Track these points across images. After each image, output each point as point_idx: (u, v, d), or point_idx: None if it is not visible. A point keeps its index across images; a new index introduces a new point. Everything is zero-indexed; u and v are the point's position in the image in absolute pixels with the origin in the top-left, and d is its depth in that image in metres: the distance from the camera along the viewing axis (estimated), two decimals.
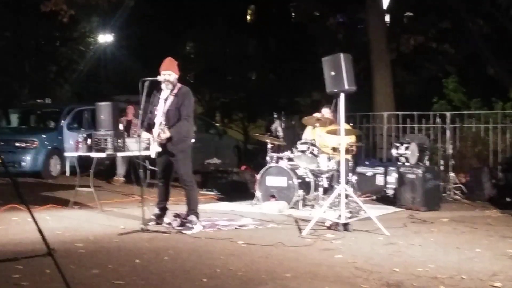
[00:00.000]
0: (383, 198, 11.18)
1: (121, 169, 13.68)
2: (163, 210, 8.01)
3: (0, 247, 6.50)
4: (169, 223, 7.81)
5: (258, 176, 10.22)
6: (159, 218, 7.93)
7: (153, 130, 7.72)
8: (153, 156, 7.86)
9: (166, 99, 7.75)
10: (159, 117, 7.73)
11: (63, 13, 17.99)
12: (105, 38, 25.33)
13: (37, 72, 23.13)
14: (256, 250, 6.49)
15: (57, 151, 14.79)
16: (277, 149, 11.08)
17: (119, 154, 9.72)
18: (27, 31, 21.91)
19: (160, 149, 7.65)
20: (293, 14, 27.89)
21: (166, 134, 7.53)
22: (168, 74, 7.72)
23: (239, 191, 11.55)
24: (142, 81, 7.57)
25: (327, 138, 10.04)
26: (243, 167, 13.24)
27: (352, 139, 9.90)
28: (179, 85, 7.82)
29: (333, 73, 7.73)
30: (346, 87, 7.58)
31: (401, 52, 19.65)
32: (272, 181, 10.01)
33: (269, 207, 9.55)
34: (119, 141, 9.52)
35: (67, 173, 11.06)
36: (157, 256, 6.10)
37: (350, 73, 7.65)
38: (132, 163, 9.16)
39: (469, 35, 19.22)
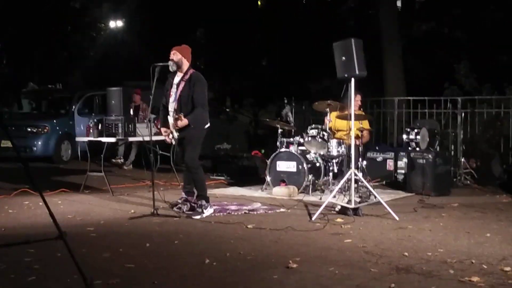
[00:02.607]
0: (393, 183, 11.16)
1: (123, 155, 13.76)
2: (189, 194, 7.98)
3: (12, 230, 6.56)
4: (179, 208, 7.83)
5: (268, 161, 10.22)
6: (184, 202, 7.91)
7: (168, 117, 7.74)
8: (173, 142, 7.87)
9: (178, 85, 7.74)
10: (172, 104, 7.74)
11: None
12: (116, 24, 25.36)
13: (48, 58, 23.19)
14: (266, 234, 6.51)
15: (68, 136, 14.89)
16: (288, 134, 11.08)
17: (130, 139, 9.72)
18: (38, 18, 21.95)
19: (177, 135, 7.64)
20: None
21: (184, 121, 7.51)
22: (173, 53, 7.73)
23: (249, 176, 11.57)
24: (153, 66, 7.59)
25: (339, 123, 10.02)
26: (253, 152, 13.25)
27: (363, 124, 9.87)
28: (191, 70, 7.79)
29: (344, 58, 7.70)
30: (357, 72, 7.56)
31: (413, 38, 19.53)
32: (282, 166, 10.01)
33: (279, 192, 9.55)
34: (131, 125, 9.57)
35: (79, 158, 11.11)
36: (168, 240, 6.13)
37: (361, 58, 7.62)
38: (143, 148, 9.20)
39: (481, 21, 19.09)
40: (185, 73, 7.73)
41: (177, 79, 7.77)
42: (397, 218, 7.33)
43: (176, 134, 7.65)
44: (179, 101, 7.66)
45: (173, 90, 7.76)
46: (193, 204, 7.80)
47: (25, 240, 5.30)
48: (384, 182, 11.31)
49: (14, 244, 5.25)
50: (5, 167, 12.68)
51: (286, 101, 11.98)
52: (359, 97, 10.13)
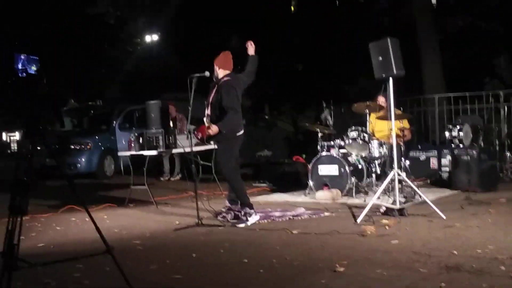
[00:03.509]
0: (437, 182, 11.03)
1: (165, 167, 13.93)
2: (233, 203, 7.99)
3: (60, 247, 6.65)
4: (224, 217, 7.84)
5: (310, 166, 10.19)
6: (228, 211, 7.90)
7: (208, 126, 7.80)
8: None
9: (211, 93, 7.79)
10: (206, 111, 7.80)
11: (109, 14, 18.28)
12: (151, 37, 25.60)
13: (86, 75, 23.54)
14: (311, 239, 6.47)
15: (110, 152, 15.08)
16: (328, 137, 11.03)
17: (174, 151, 9.76)
18: (74, 36, 22.31)
19: (211, 144, 7.68)
20: (337, 1, 27.65)
21: (213, 129, 7.54)
22: (214, 63, 7.83)
23: (292, 181, 11.54)
24: (190, 77, 7.62)
25: (379, 124, 9.93)
26: (294, 158, 13.22)
27: (404, 123, 9.76)
28: (224, 78, 7.81)
29: (380, 58, 7.64)
30: (395, 72, 7.49)
31: (449, 34, 19.28)
32: (324, 169, 9.96)
33: (323, 196, 9.51)
34: (171, 137, 9.64)
35: (122, 173, 11.24)
36: (213, 249, 6.14)
37: (398, 57, 7.55)
38: (184, 159, 9.23)
39: None
40: (218, 81, 7.78)
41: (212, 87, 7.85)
42: (444, 217, 7.22)
43: (207, 143, 7.69)
44: (211, 108, 7.72)
45: (208, 98, 7.83)
46: (237, 213, 7.80)
47: (74, 256, 5.40)
48: (428, 181, 11.17)
49: (63, 261, 5.33)
50: (50, 185, 12.89)
51: (324, 105, 11.92)
52: (382, 99, 9.96)
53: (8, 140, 35.31)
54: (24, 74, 4.43)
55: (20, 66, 4.41)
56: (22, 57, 4.45)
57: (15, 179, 4.17)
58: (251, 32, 25.19)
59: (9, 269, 3.98)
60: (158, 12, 23.38)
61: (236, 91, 7.75)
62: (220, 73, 7.79)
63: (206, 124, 7.64)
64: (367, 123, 9.99)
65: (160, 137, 9.56)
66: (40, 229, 7.87)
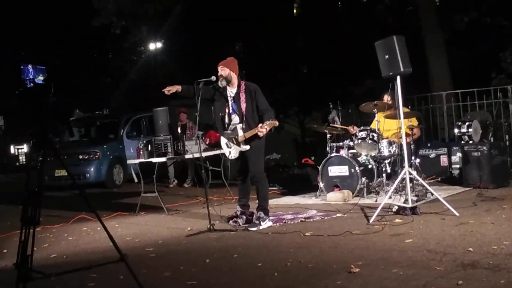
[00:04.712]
0: (449, 179, 10.96)
1: (175, 174, 13.96)
2: (245, 208, 7.98)
3: (73, 257, 6.64)
4: (235, 221, 7.82)
5: (319, 167, 10.15)
6: (240, 216, 7.89)
7: (228, 132, 7.75)
8: (233, 157, 7.84)
9: (237, 98, 7.69)
10: (236, 117, 7.71)
11: (114, 25, 18.31)
12: (155, 45, 25.66)
13: (91, 84, 23.63)
14: (324, 241, 6.44)
15: (119, 160, 15.10)
16: (337, 138, 11.00)
17: (186, 157, 9.71)
18: (80, 46, 22.42)
19: (247, 148, 7.60)
20: (339, 3, 27.63)
21: (275, 122, 7.46)
22: (221, 68, 7.72)
23: (302, 184, 11.51)
24: (196, 82, 7.61)
25: (388, 123, 9.89)
26: (303, 160, 13.19)
27: (412, 121, 9.71)
28: (243, 82, 7.78)
29: (387, 56, 7.61)
30: (402, 69, 7.46)
31: (455, 30, 19.21)
32: (335, 170, 9.93)
33: (334, 197, 9.47)
34: (179, 144, 9.62)
35: (135, 180, 11.23)
36: (227, 254, 6.12)
37: (404, 55, 7.52)
38: (195, 165, 9.20)
39: None
40: (239, 86, 7.72)
41: (231, 92, 7.75)
42: (457, 214, 7.17)
43: (245, 147, 7.61)
44: (244, 113, 7.62)
45: (231, 103, 7.74)
46: (249, 217, 7.78)
47: (88, 265, 5.38)
48: (439, 179, 11.12)
49: (77, 270, 5.32)
50: (60, 196, 12.91)
51: (331, 106, 11.91)
52: (388, 98, 9.90)
53: (16, 153, 35.46)
54: (32, 84, 4.42)
55: (27, 77, 4.41)
56: (30, 67, 4.45)
57: (27, 191, 4.16)
58: (254, 37, 25.31)
59: (24, 280, 3.98)
60: (161, 20, 23.43)
61: None
62: (234, 77, 7.74)
63: (241, 132, 7.56)
64: (376, 123, 9.95)
65: (169, 144, 9.55)
66: (52, 239, 7.87)
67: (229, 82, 7.71)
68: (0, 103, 26.54)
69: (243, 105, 7.63)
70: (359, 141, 9.83)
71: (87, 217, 9.05)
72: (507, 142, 11.35)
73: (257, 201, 7.81)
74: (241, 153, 7.71)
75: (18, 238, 4.13)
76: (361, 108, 10.34)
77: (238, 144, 7.64)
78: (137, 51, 26.30)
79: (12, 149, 35.78)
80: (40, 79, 4.26)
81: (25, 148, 35.01)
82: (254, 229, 7.41)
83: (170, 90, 7.74)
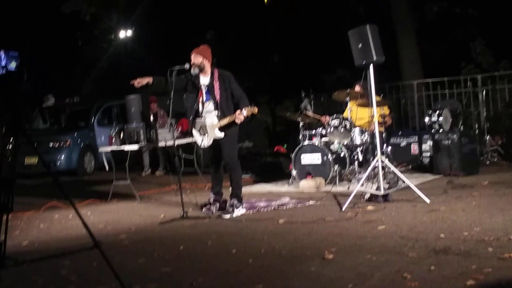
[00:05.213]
0: (419, 167, 11.09)
1: (146, 161, 13.91)
2: (218, 195, 7.97)
3: (45, 244, 6.58)
4: (209, 209, 7.81)
5: (292, 155, 10.19)
6: (213, 203, 7.88)
7: (201, 120, 7.70)
8: (206, 145, 7.79)
9: (210, 86, 7.63)
10: (206, 105, 7.68)
11: (84, 12, 18.09)
12: (125, 33, 25.39)
13: (63, 72, 23.36)
14: (298, 228, 6.47)
15: (90, 148, 14.98)
16: (309, 127, 11.04)
17: (159, 144, 9.64)
18: (51, 33, 22.13)
19: (221, 135, 7.56)
20: None
21: (254, 109, 7.46)
22: (194, 56, 7.64)
23: (274, 172, 11.55)
24: (170, 70, 7.53)
25: (360, 111, 9.95)
26: (276, 148, 13.23)
27: (384, 110, 9.79)
28: (216, 70, 7.71)
29: (360, 45, 7.64)
30: (375, 58, 7.51)
31: (425, 20, 19.36)
32: (307, 158, 9.98)
33: (306, 185, 9.52)
34: (151, 131, 9.56)
35: (107, 168, 11.14)
36: (201, 241, 6.11)
37: (377, 43, 7.56)
38: (167, 153, 9.17)
39: None
40: (213, 73, 7.67)
41: (205, 80, 7.69)
42: (428, 201, 7.26)
43: (220, 135, 7.57)
44: (219, 100, 7.57)
45: (205, 91, 7.68)
46: (222, 205, 7.79)
47: (60, 253, 5.35)
48: (410, 167, 11.23)
49: (49, 258, 5.28)
50: (30, 184, 12.76)
51: (303, 94, 11.93)
52: (359, 86, 9.94)
53: None
54: (4, 71, 4.36)
55: (3, 63, 4.34)
56: (2, 53, 4.37)
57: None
58: (226, 25, 25.23)
59: None
60: (132, 8, 23.22)
61: None
62: (208, 65, 7.68)
63: (216, 120, 7.52)
64: (348, 111, 10.00)
65: (141, 131, 9.50)
66: (23, 227, 7.78)
67: (202, 69, 7.66)
68: None
69: (217, 93, 7.59)
70: (332, 129, 9.88)
71: (59, 204, 8.96)
72: (477, 131, 11.50)
73: (230, 189, 7.81)
74: (215, 140, 7.68)
75: None
76: (333, 97, 10.39)
77: (212, 131, 7.61)
78: (107, 39, 25.99)
79: None
80: (12, 66, 4.17)
81: None
82: (228, 216, 7.41)
83: (140, 82, 7.62)
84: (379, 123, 8.80)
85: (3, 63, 4.34)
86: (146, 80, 7.62)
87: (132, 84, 7.68)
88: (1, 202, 4.05)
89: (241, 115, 7.39)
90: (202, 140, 7.77)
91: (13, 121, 4.24)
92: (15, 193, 4.16)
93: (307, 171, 9.91)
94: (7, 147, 4.25)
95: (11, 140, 4.25)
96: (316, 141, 10.06)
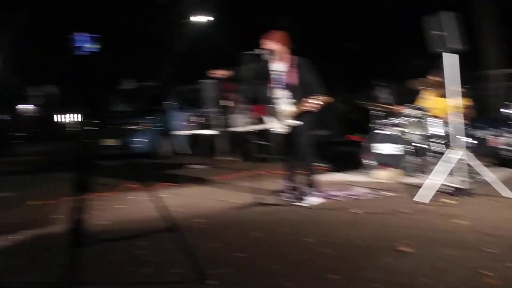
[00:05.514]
0: (501, 161, 10.75)
1: (221, 146, 13.99)
2: (292, 183, 7.94)
3: (123, 224, 6.74)
4: (283, 196, 7.82)
5: (367, 145, 10.07)
6: (287, 191, 7.89)
7: (275, 107, 7.70)
8: (280, 132, 7.80)
9: (285, 72, 7.61)
10: (284, 92, 7.66)
11: None
12: (202, 18, 25.63)
13: (141, 56, 23.79)
14: (372, 219, 6.41)
15: (167, 132, 15.20)
16: (384, 116, 10.87)
17: (230, 129, 9.74)
18: (127, 17, 22.57)
19: (296, 123, 7.54)
20: None
21: (327, 98, 7.42)
22: (267, 41, 7.62)
23: (349, 161, 11.43)
24: (242, 55, 7.54)
25: (437, 101, 9.73)
26: (351, 137, 13.10)
27: (466, 101, 9.52)
28: (294, 57, 7.66)
29: (437, 32, 7.46)
30: (452, 45, 7.32)
31: (508, 6, 18.74)
32: (383, 148, 9.84)
33: (382, 175, 9.40)
34: (226, 117, 9.64)
35: (183, 152, 11.31)
36: (275, 228, 6.13)
37: (455, 31, 7.37)
38: (242, 139, 9.23)
39: None
40: (289, 60, 7.62)
41: (280, 66, 7.67)
42: (510, 196, 7.04)
43: (294, 122, 7.56)
44: (291, 88, 7.56)
45: (281, 78, 7.65)
46: (296, 193, 7.77)
47: (137, 234, 5.47)
48: (490, 160, 10.89)
49: (126, 238, 5.41)
50: (108, 165, 13.07)
51: (379, 83, 11.75)
52: (435, 76, 9.68)
53: (65, 121, 36.05)
54: (85, 52, 4.45)
55: (80, 45, 4.42)
56: (83, 36, 4.46)
57: (80, 158, 4.22)
58: (301, 12, 25.10)
59: (75, 245, 4.05)
60: None
61: None
62: (283, 51, 7.64)
63: (290, 107, 7.51)
64: (425, 101, 9.79)
65: (216, 117, 9.58)
66: (103, 207, 7.98)
67: (278, 56, 7.64)
68: (55, 72, 27.03)
69: (293, 80, 7.57)
70: (408, 119, 9.70)
71: (136, 186, 9.14)
72: None
73: (304, 177, 7.79)
74: (289, 128, 7.67)
75: (70, 204, 4.20)
76: (409, 86, 10.19)
77: (287, 118, 7.60)
78: (183, 23, 26.30)
79: (61, 118, 36.52)
80: (93, 48, 4.26)
81: (71, 117, 35.67)
82: (302, 204, 7.40)
83: (222, 74, 7.67)
84: (461, 114, 8.58)
85: (85, 45, 4.42)
86: (226, 73, 7.64)
87: (210, 73, 7.73)
88: (80, 182, 4.15)
89: (313, 104, 7.35)
90: (278, 127, 7.76)
91: (93, 103, 4.34)
92: (94, 174, 4.26)
93: (382, 161, 9.78)
94: (87, 129, 4.35)
95: (90, 122, 4.35)
96: (391, 130, 9.90)
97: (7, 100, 31.01)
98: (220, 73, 7.65)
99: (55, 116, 36.21)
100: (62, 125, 35.35)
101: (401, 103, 10.64)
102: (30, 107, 36.49)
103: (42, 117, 35.42)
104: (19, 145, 24.26)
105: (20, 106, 35.94)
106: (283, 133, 7.77)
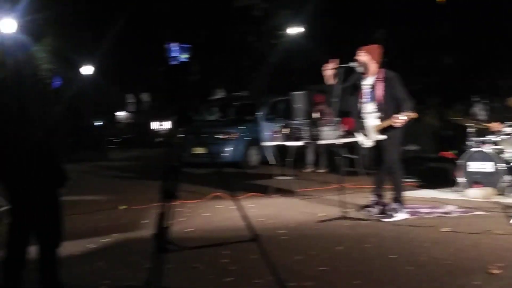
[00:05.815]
0: None
1: (309, 158, 13.91)
2: (379, 198, 7.81)
3: (208, 232, 6.81)
4: (369, 211, 7.68)
5: (460, 162, 9.75)
6: (374, 205, 7.75)
7: (362, 121, 7.62)
8: (367, 146, 7.71)
9: (373, 86, 7.53)
10: (371, 106, 7.57)
11: (257, 7, 18.49)
12: (295, 30, 25.67)
13: (232, 66, 24.08)
14: (462, 238, 6.16)
15: (255, 142, 15.27)
16: (480, 133, 10.49)
17: (319, 142, 9.65)
18: (221, 28, 22.92)
19: (383, 137, 7.43)
20: None
21: (412, 114, 7.29)
22: (361, 54, 7.55)
23: (440, 177, 11.09)
24: (337, 68, 7.50)
25: None
26: (443, 153, 12.73)
27: None
28: (382, 70, 7.56)
29: None
30: None
31: None
32: (476, 166, 9.48)
33: (474, 194, 9.06)
34: (315, 129, 9.55)
35: (270, 162, 11.33)
36: (359, 243, 6.02)
37: None
38: (330, 152, 9.12)
39: None
40: (378, 74, 7.53)
41: (368, 80, 7.59)
42: None
43: (381, 137, 7.45)
44: (379, 102, 7.46)
45: (369, 91, 7.58)
46: (383, 208, 7.61)
47: (221, 242, 5.49)
48: None
49: (210, 246, 5.45)
50: (196, 173, 13.27)
51: (476, 99, 11.38)
52: None
53: (157, 129, 37.04)
54: (176, 62, 4.51)
55: (172, 55, 4.49)
56: (175, 45, 4.53)
57: (167, 166, 4.27)
58: (397, 25, 24.74)
59: (161, 251, 4.09)
60: (303, 4, 23.41)
61: None
62: (373, 65, 7.54)
63: (377, 121, 7.41)
64: None
65: (305, 128, 9.52)
66: (188, 214, 8.09)
67: (367, 69, 7.55)
68: (147, 81, 27.82)
69: (380, 94, 7.46)
70: (505, 137, 9.34)
71: (222, 195, 9.22)
72: None
73: (392, 192, 7.62)
74: (377, 142, 7.54)
75: (157, 210, 4.25)
76: (508, 103, 9.81)
77: (374, 133, 7.48)
78: (277, 35, 26.45)
79: (154, 125, 37.51)
80: (184, 57, 4.33)
81: (164, 125, 36.56)
82: (388, 220, 7.24)
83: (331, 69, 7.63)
84: None
85: (176, 54, 4.49)
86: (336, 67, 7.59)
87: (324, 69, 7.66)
88: (167, 189, 4.20)
89: (398, 119, 7.20)
90: (365, 141, 7.66)
91: (182, 111, 4.38)
92: (181, 181, 4.29)
93: (475, 179, 9.42)
94: (176, 137, 4.41)
95: (179, 130, 4.40)
96: (486, 148, 9.54)
97: (107, 107, 32.16)
98: (332, 66, 7.57)
99: (151, 123, 37.25)
100: (156, 132, 36.30)
101: (499, 120, 10.25)
102: (126, 113, 37.73)
103: (136, 123, 36.50)
104: (113, 150, 25.07)
105: (117, 113, 37.21)
106: (371, 147, 7.65)
